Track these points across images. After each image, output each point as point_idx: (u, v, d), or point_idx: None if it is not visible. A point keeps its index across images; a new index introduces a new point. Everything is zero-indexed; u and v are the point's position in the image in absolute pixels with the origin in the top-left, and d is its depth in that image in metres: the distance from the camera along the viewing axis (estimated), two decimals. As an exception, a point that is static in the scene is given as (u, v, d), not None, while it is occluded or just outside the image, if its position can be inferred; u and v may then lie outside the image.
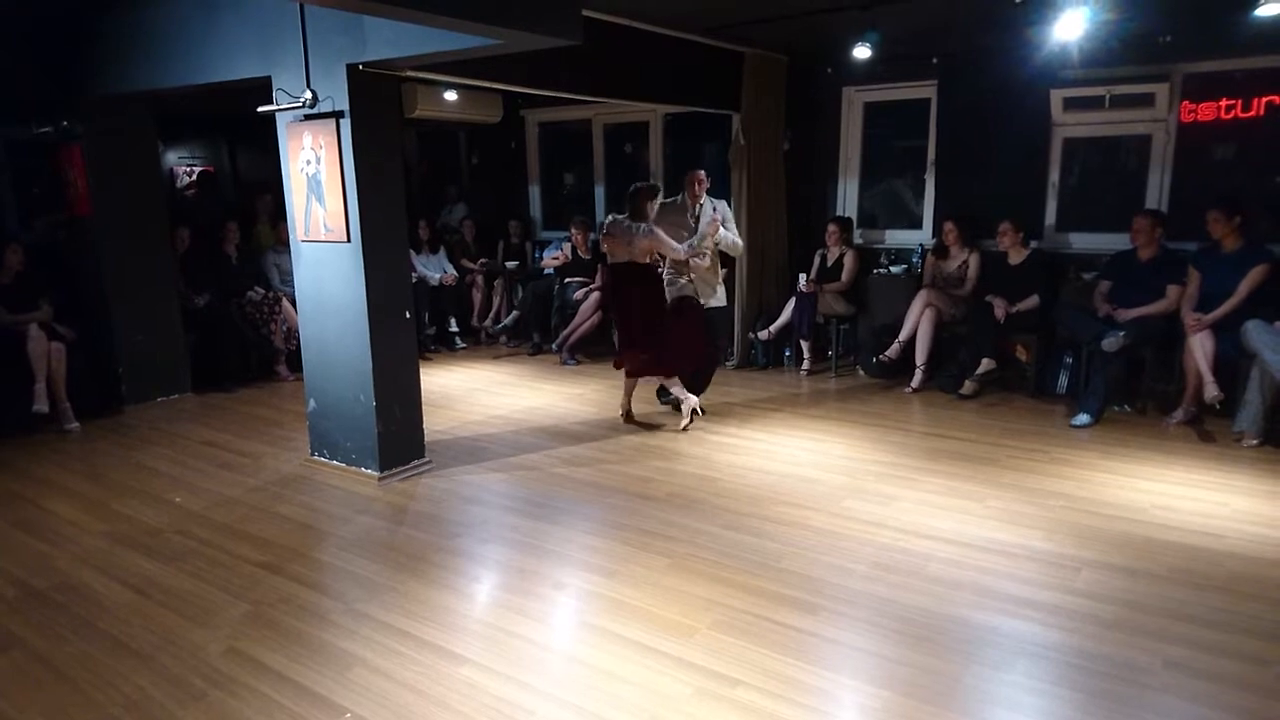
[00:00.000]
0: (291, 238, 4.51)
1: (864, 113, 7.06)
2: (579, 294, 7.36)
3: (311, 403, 4.62)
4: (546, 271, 7.90)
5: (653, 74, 5.93)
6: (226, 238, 6.69)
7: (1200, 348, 4.91)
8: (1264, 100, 5.45)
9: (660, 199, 5.27)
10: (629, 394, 5.45)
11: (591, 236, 7.79)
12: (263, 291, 6.66)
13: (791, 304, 6.67)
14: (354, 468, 4.47)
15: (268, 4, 4.26)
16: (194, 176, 8.03)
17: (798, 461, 4.63)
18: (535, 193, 9.03)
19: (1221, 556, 3.37)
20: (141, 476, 4.54)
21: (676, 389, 5.27)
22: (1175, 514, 3.80)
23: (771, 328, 6.75)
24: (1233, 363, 4.88)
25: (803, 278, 6.66)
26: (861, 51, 5.54)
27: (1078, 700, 2.49)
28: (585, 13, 3.87)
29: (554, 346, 7.43)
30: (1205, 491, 4.07)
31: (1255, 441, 4.68)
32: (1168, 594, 3.08)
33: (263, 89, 4.41)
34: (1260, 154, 5.62)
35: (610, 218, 5.20)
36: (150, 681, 2.65)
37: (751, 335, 6.89)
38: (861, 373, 6.62)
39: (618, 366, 5.43)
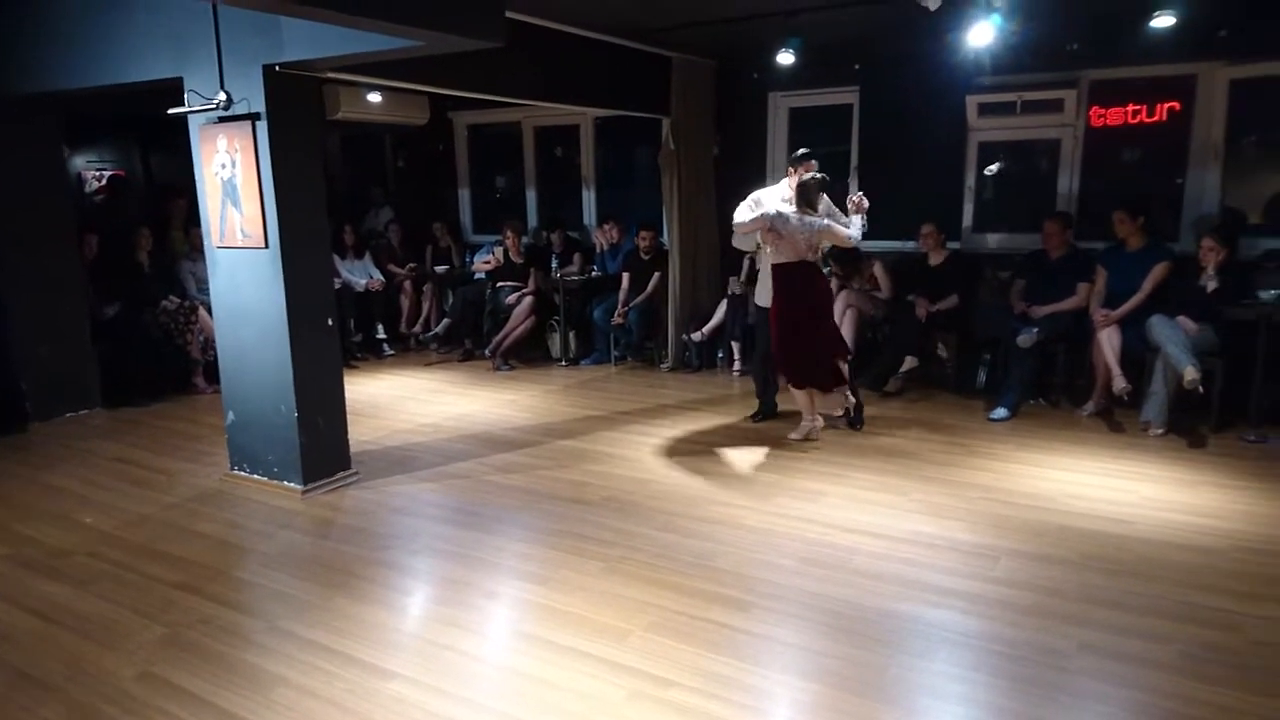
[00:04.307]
0: (206, 244, 4.36)
1: (789, 118, 7.18)
2: (512, 298, 7.30)
3: (230, 415, 4.47)
4: (478, 276, 7.81)
5: (581, 77, 5.92)
6: (138, 244, 6.41)
7: (1108, 342, 5.14)
8: (1165, 106, 5.74)
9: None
10: (810, 407, 4.96)
11: (524, 240, 7.75)
12: (178, 300, 6.41)
13: (723, 306, 6.75)
14: (276, 481, 4.33)
15: (178, 3, 4.11)
16: (104, 181, 7.67)
17: (731, 460, 4.68)
18: (465, 196, 8.92)
19: (1130, 541, 3.54)
20: (48, 497, 4.32)
21: (814, 413, 4.96)
22: (1087, 502, 3.97)
23: (704, 329, 6.82)
24: (1139, 356, 5.13)
25: (733, 280, 6.75)
26: (785, 58, 5.64)
27: (998, 686, 2.58)
28: (509, 15, 3.85)
29: (486, 352, 7.35)
30: (1115, 480, 4.26)
31: (1160, 431, 4.93)
32: (1081, 579, 3.22)
33: (176, 90, 4.25)
34: (1162, 157, 5.92)
35: (775, 212, 4.66)
36: (58, 714, 2.52)
37: (685, 337, 6.94)
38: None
39: (794, 383, 4.94)
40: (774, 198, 4.78)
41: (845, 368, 5.00)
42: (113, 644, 2.89)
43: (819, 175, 4.69)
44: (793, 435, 5.01)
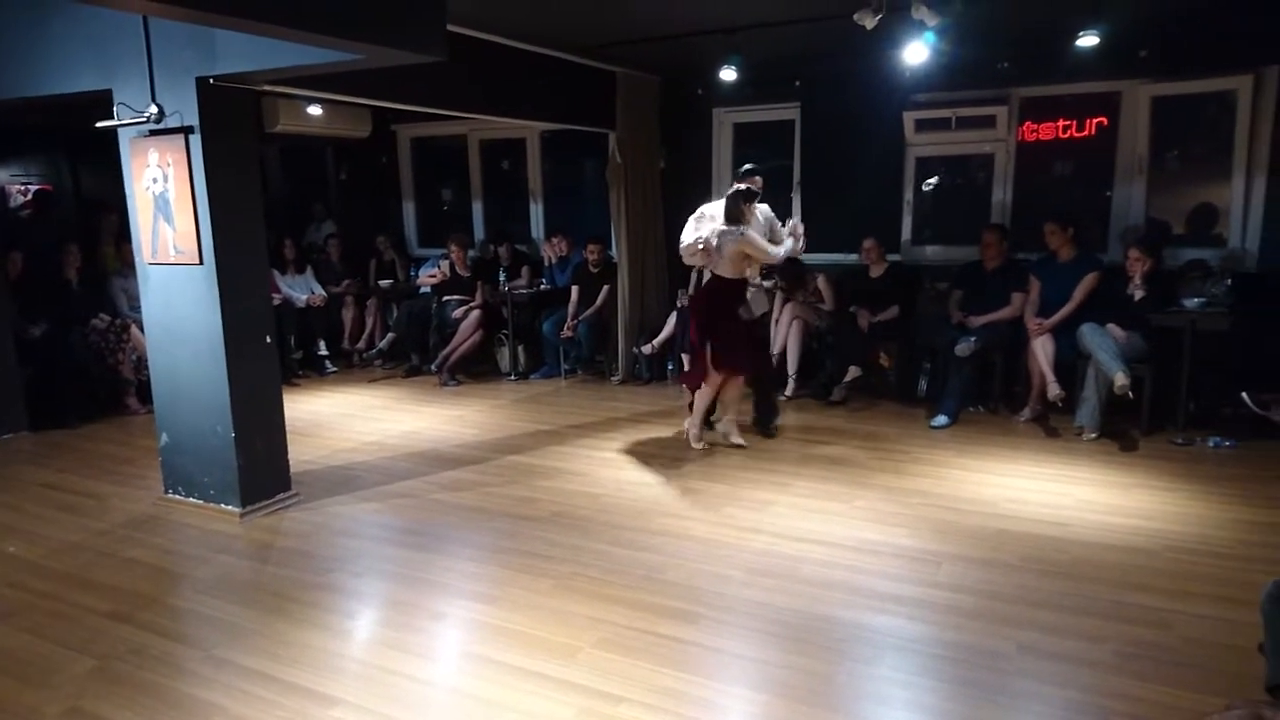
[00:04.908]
0: (137, 260, 4.23)
1: (734, 133, 7.27)
2: (458, 312, 7.22)
3: (164, 437, 4.32)
4: (423, 290, 7.72)
5: (526, 91, 5.91)
6: (67, 261, 6.18)
7: (1042, 350, 5.30)
8: (1094, 121, 5.97)
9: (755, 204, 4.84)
10: (701, 414, 5.04)
11: (471, 254, 7.68)
12: (109, 319, 6.19)
13: (672, 318, 6.78)
14: (213, 504, 4.20)
15: (106, 14, 3.98)
16: (29, 196, 7.39)
17: (680, 472, 4.69)
18: (410, 209, 8.82)
19: (1066, 544, 3.64)
20: (-33, 526, 4.12)
21: (728, 423, 5.04)
22: (1025, 506, 4.07)
23: (654, 342, 6.83)
24: (1071, 363, 5.29)
25: (682, 293, 6.78)
26: (728, 74, 5.72)
27: (942, 689, 2.63)
28: (451, 28, 3.83)
29: (433, 367, 7.25)
30: (1051, 484, 4.39)
31: (1093, 435, 5.09)
32: (1020, 582, 3.30)
33: (106, 102, 4.12)
34: (1091, 171, 6.15)
35: (703, 235, 4.78)
36: (-26, 754, 2.40)
37: (635, 350, 6.95)
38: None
39: (692, 386, 5.05)
40: (717, 211, 4.84)
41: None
42: (36, 680, 2.76)
43: (740, 187, 4.75)
44: (719, 428, 5.10)
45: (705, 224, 4.88)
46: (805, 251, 5.05)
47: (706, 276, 4.99)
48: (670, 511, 4.10)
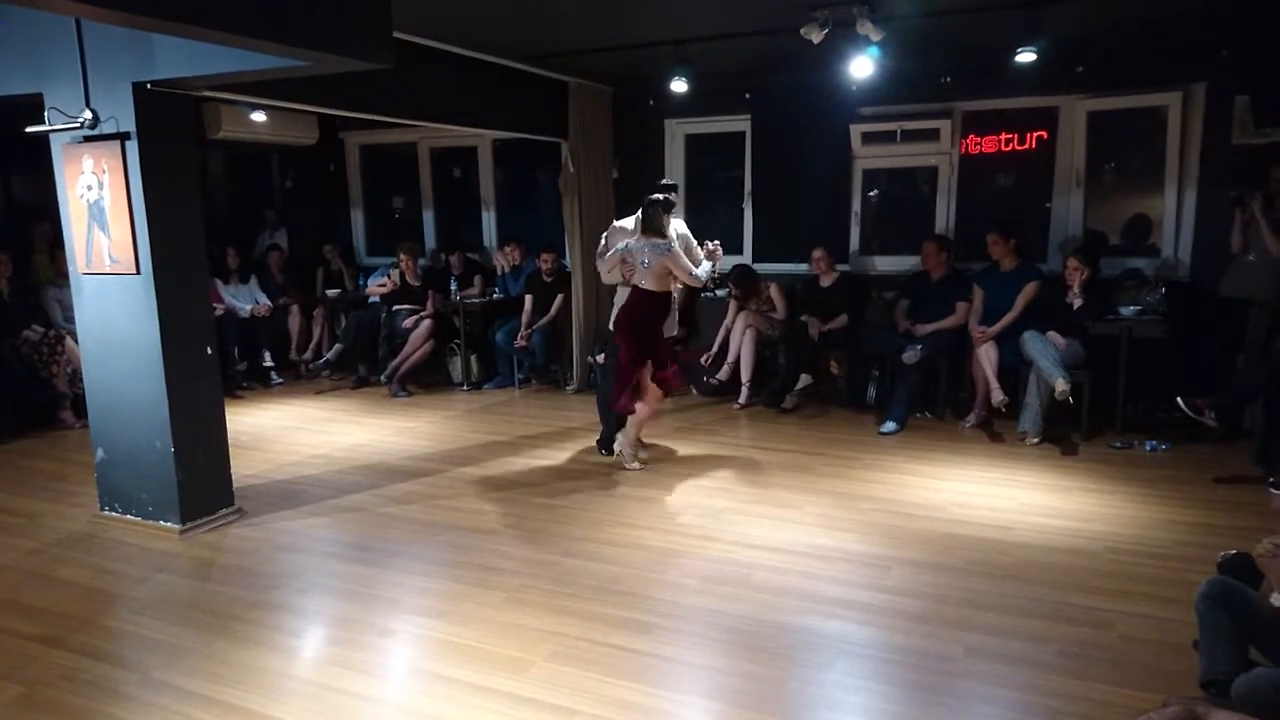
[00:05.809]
0: (71, 270, 4.08)
1: (686, 144, 7.31)
2: (409, 322, 7.13)
3: (100, 452, 4.18)
4: (372, 299, 7.60)
5: (478, 100, 5.88)
6: (-3, 271, 5.97)
7: (986, 357, 5.43)
8: (1034, 134, 6.14)
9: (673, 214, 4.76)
10: (637, 432, 4.85)
11: (421, 262, 7.59)
12: (42, 330, 5.98)
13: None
14: (151, 521, 4.07)
15: (37, 15, 3.84)
16: (-45, 202, 7.10)
17: (635, 481, 4.68)
18: (358, 218, 8.68)
19: (1011, 546, 3.72)
20: (-115, 548, 3.92)
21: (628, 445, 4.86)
22: (971, 510, 4.15)
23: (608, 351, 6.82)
24: (1014, 370, 5.43)
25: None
26: (678, 85, 5.75)
27: (892, 694, 2.66)
28: (399, 35, 3.79)
29: (383, 378, 7.14)
30: (996, 488, 4.48)
31: (1036, 440, 5.22)
32: (967, 585, 3.36)
33: (37, 106, 3.98)
34: (1032, 182, 6.33)
35: (625, 244, 4.71)
36: (-111, 790, 2.28)
37: (590, 359, 6.93)
38: (694, 392, 6.81)
39: (622, 407, 4.73)
40: (629, 223, 4.84)
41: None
42: (-41, 709, 2.64)
43: (658, 196, 4.70)
44: (632, 466, 4.88)
45: (617, 235, 4.88)
46: (758, 261, 5.08)
47: (624, 296, 4.81)
48: (624, 521, 4.09)
